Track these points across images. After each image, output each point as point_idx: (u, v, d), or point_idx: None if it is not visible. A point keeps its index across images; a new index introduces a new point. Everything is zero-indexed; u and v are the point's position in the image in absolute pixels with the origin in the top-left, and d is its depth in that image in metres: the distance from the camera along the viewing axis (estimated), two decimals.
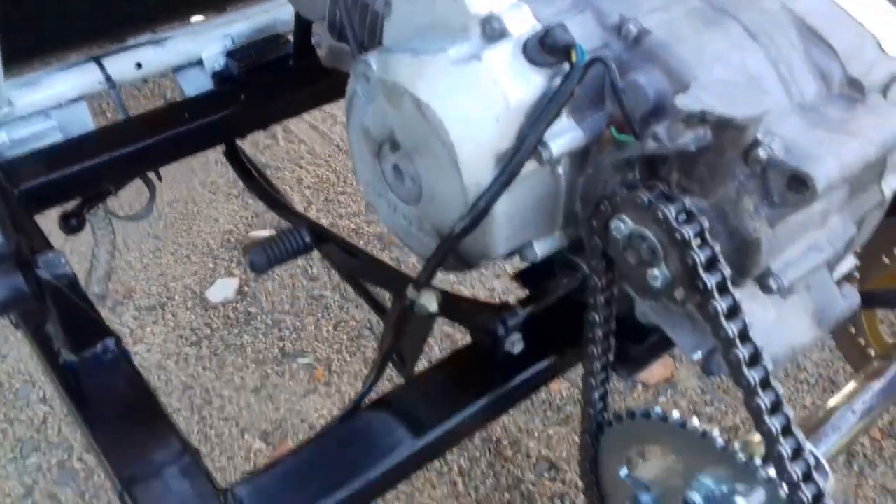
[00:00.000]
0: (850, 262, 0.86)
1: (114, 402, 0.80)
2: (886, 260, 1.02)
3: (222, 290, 1.71)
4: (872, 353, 1.11)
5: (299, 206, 1.80)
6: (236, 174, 1.16)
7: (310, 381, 1.51)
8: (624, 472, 0.90)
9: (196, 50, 1.19)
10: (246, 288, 1.72)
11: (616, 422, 0.85)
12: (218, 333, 1.62)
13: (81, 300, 0.82)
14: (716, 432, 0.77)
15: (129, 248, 1.82)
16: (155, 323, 1.66)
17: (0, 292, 0.71)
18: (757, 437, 0.71)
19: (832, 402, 0.94)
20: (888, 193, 0.76)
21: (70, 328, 0.81)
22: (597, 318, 0.77)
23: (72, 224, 1.09)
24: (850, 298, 0.79)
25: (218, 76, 1.18)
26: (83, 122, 1.15)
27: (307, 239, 0.86)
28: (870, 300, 0.85)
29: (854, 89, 0.68)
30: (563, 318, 0.84)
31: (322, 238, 0.89)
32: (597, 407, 0.85)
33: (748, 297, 0.74)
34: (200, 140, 1.13)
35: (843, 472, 1.32)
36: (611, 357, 0.82)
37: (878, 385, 0.95)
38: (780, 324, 0.74)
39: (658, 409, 0.80)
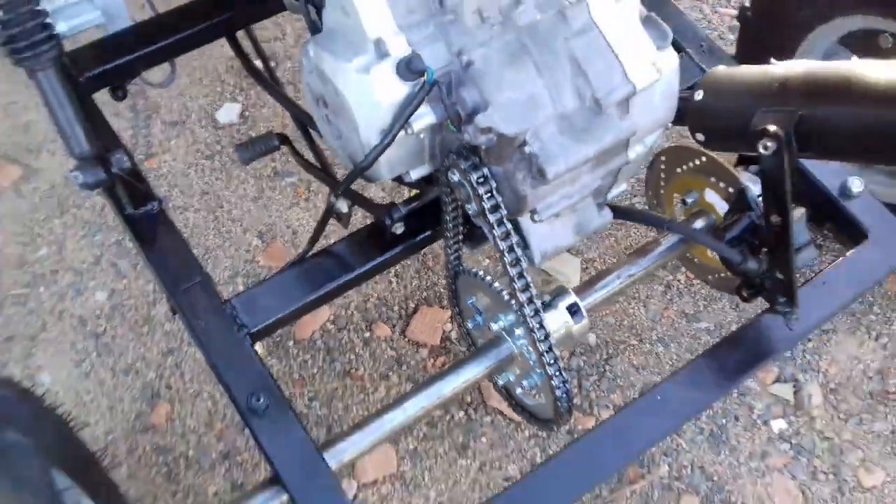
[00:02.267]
0: (622, 187, 1.33)
1: (160, 242, 1.32)
2: (679, 170, 1.48)
3: (228, 113, 2.17)
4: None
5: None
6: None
7: (294, 196, 2.03)
8: (469, 300, 1.45)
9: None
10: (247, 113, 2.18)
11: (459, 274, 1.38)
12: (226, 150, 2.11)
13: (136, 178, 1.31)
14: (497, 283, 1.29)
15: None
16: (177, 137, 2.15)
17: (90, 180, 1.20)
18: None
19: (609, 270, 1.45)
20: (633, 157, 1.21)
21: (131, 195, 1.31)
22: (448, 217, 1.26)
23: (118, 95, 1.54)
24: (605, 217, 1.28)
25: None
26: (120, 9, 1.55)
27: (276, 143, 1.33)
28: (620, 214, 1.32)
29: (597, 106, 1.10)
30: (434, 210, 1.33)
31: (285, 142, 1.35)
32: (452, 264, 1.37)
33: (537, 229, 1.22)
34: (212, 33, 1.54)
35: (658, 297, 1.87)
36: (461, 236, 1.32)
37: (641, 261, 1.45)
38: (549, 233, 1.23)
39: (474, 269, 1.32)
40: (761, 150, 1.11)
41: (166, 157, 2.11)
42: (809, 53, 1.71)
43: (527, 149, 1.08)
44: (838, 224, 1.41)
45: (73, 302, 1.88)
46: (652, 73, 1.12)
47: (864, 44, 1.62)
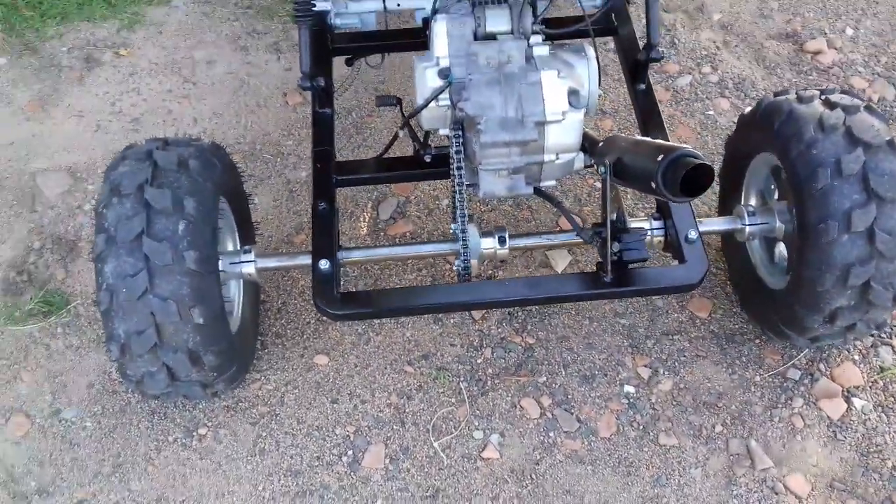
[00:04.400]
0: (550, 182, 2.33)
1: (320, 126, 2.59)
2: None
3: None
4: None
5: None
6: None
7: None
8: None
9: None
10: None
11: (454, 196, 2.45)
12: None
13: (326, 94, 2.59)
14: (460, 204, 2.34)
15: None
16: (386, 112, 3.45)
17: (302, 84, 2.49)
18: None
19: (533, 233, 2.43)
20: (548, 159, 2.21)
21: (320, 102, 2.60)
22: (452, 161, 2.35)
23: (348, 62, 2.85)
24: (528, 189, 2.28)
25: None
26: (371, 19, 2.87)
27: (394, 101, 2.52)
28: (538, 193, 2.31)
29: (523, 119, 2.14)
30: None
31: (399, 103, 2.53)
32: (452, 190, 2.45)
33: (485, 175, 2.27)
34: (410, 47, 2.81)
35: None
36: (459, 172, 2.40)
37: (553, 237, 2.42)
38: (492, 182, 2.26)
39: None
40: (599, 174, 2.09)
41: (377, 120, 3.42)
42: (757, 173, 2.53)
43: (479, 126, 2.16)
44: (678, 255, 2.27)
45: (290, 171, 3.24)
46: (559, 116, 2.14)
47: (777, 174, 2.43)
